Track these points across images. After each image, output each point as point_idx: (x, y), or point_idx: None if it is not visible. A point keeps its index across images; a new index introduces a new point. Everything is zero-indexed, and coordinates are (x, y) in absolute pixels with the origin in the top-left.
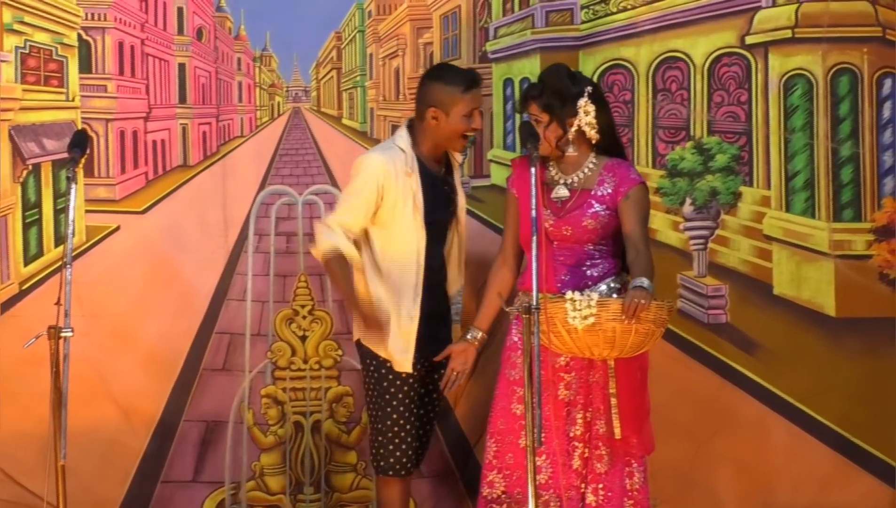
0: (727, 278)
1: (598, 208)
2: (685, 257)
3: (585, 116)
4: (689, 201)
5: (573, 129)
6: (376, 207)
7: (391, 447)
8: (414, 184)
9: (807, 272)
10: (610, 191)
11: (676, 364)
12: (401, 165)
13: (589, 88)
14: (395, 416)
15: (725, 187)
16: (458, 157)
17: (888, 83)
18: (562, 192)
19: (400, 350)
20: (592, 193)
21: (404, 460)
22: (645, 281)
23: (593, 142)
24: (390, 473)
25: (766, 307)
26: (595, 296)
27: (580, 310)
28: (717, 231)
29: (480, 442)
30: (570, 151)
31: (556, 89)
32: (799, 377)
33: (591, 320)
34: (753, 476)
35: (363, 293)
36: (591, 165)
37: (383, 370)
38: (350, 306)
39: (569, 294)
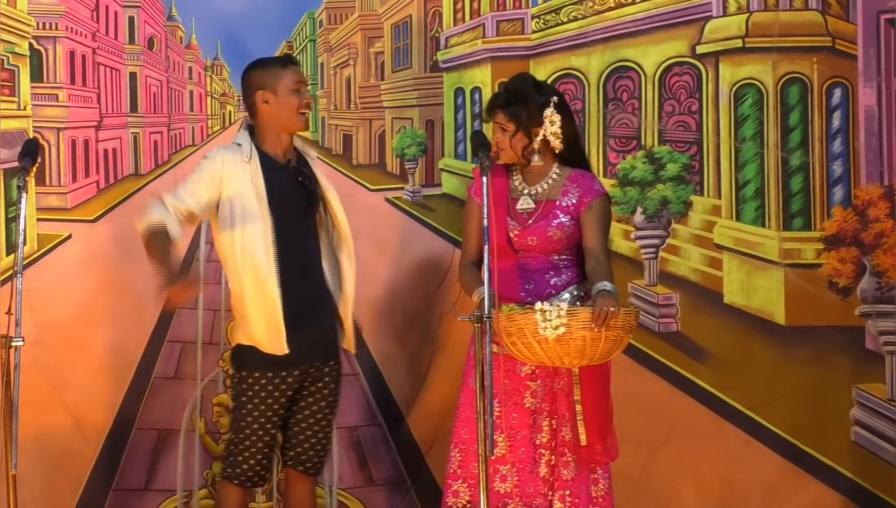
0: (678, 287)
1: (563, 219)
2: (636, 265)
3: (551, 125)
4: (639, 210)
5: (539, 138)
6: (217, 196)
7: (241, 457)
8: (252, 170)
9: (757, 281)
10: (574, 201)
11: (627, 373)
12: (238, 156)
13: (555, 98)
14: (252, 424)
15: (676, 197)
16: (312, 153)
17: (838, 93)
18: (527, 203)
19: (268, 334)
20: (557, 203)
21: (254, 471)
22: (608, 285)
23: (556, 151)
24: (235, 482)
25: (717, 316)
26: (564, 306)
27: (550, 320)
28: (668, 240)
29: (433, 450)
30: (536, 160)
31: (523, 99)
32: (749, 384)
33: (562, 330)
34: (703, 484)
35: (236, 290)
36: (554, 176)
37: (243, 385)
38: (160, 270)
39: (538, 305)
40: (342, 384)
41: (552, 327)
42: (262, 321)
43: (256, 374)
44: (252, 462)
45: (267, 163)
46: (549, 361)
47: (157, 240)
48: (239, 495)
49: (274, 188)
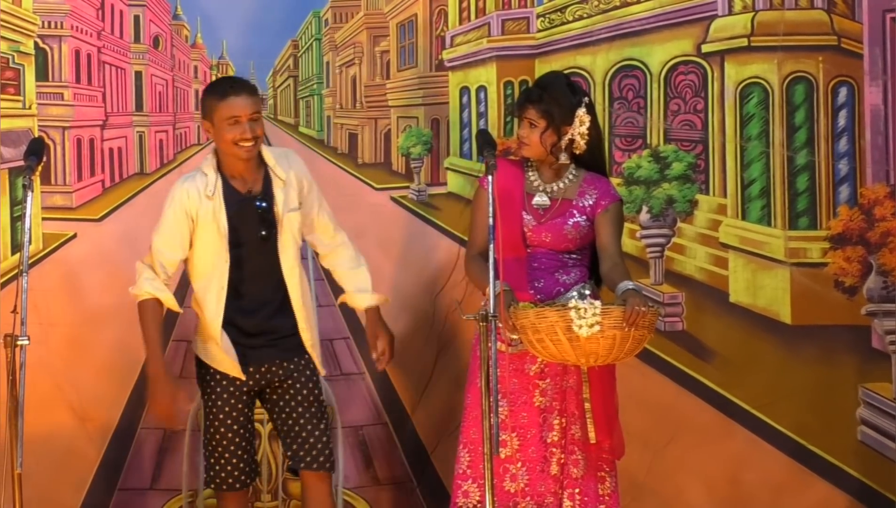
0: (683, 286)
1: (579, 219)
2: (642, 265)
3: (581, 126)
4: (645, 209)
5: (567, 137)
6: (190, 233)
7: (217, 460)
8: (216, 206)
9: (763, 280)
10: (591, 203)
11: (632, 372)
12: (202, 188)
13: (586, 99)
14: (220, 428)
15: (682, 195)
16: (280, 173)
17: (843, 91)
18: (543, 199)
19: (225, 361)
20: (574, 203)
21: (238, 469)
22: (632, 284)
23: (578, 152)
24: (224, 488)
25: (723, 315)
26: (598, 303)
27: (585, 318)
28: (674, 239)
29: (438, 450)
30: (563, 159)
31: (557, 97)
32: (755, 384)
33: (596, 328)
34: (709, 483)
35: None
36: (571, 176)
37: (212, 383)
38: (150, 358)
39: (573, 303)
40: (350, 382)
41: (587, 324)
42: (216, 352)
43: (218, 376)
44: (229, 467)
45: (229, 194)
46: (575, 359)
47: (150, 312)
48: (234, 499)
49: (234, 224)
